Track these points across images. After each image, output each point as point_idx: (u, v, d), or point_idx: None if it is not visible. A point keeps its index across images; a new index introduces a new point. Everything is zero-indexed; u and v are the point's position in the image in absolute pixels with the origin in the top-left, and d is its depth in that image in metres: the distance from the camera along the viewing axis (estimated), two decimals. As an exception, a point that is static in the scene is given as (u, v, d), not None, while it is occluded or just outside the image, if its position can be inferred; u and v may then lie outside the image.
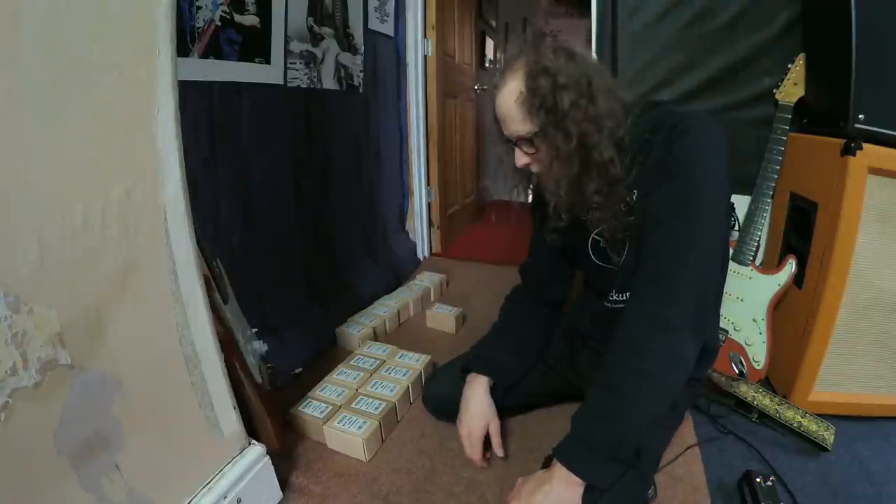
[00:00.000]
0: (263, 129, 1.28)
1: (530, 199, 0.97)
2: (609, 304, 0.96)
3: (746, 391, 1.10)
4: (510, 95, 0.75)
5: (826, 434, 0.99)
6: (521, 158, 0.80)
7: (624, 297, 0.92)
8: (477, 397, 0.97)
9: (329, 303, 1.55)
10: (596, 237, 0.91)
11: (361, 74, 1.72)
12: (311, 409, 1.07)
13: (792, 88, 1.22)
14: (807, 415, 1.03)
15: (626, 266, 0.87)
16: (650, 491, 0.85)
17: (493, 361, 1.01)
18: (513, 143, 0.80)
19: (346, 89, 1.65)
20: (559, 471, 0.73)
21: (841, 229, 1.00)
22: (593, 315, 1.00)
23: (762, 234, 1.28)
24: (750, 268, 1.22)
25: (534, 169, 0.82)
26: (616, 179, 0.77)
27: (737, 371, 1.20)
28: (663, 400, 0.74)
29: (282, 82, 1.34)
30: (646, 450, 0.82)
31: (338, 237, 1.69)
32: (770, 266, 1.22)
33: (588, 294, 1.04)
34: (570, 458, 0.73)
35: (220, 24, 1.10)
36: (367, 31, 1.74)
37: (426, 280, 1.85)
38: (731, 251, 1.25)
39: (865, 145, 0.97)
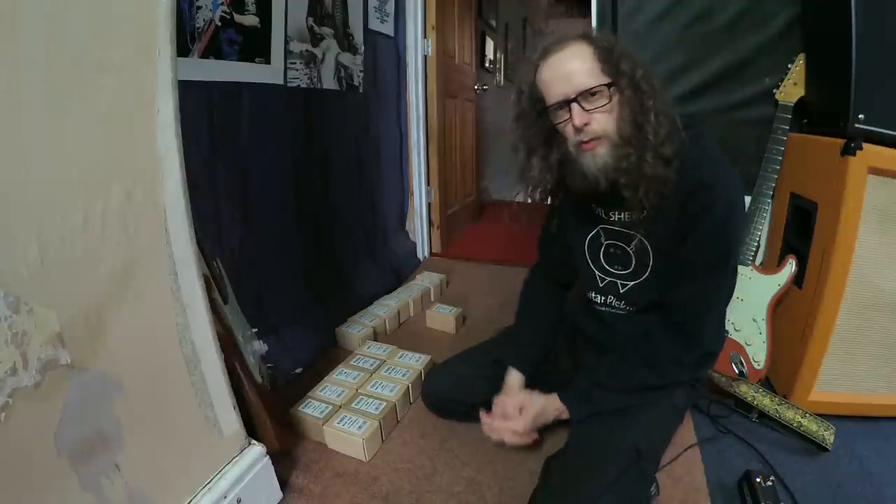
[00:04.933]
0: (263, 129, 1.28)
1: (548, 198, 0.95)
2: (602, 308, 0.97)
3: (746, 391, 1.10)
4: (578, 53, 0.77)
5: (826, 434, 0.99)
6: (580, 117, 0.77)
7: (618, 304, 0.95)
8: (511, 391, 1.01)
9: (329, 303, 1.55)
10: (592, 239, 0.93)
11: (361, 74, 1.72)
12: (311, 409, 1.07)
13: (792, 88, 1.22)
14: (807, 415, 1.03)
15: (632, 284, 0.91)
16: (652, 488, 0.85)
17: (524, 358, 1.03)
18: (568, 103, 0.77)
19: (346, 89, 1.65)
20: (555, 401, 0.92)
21: (841, 229, 1.00)
22: (593, 317, 1.01)
23: (762, 234, 1.27)
24: (750, 268, 1.22)
25: (592, 130, 0.78)
26: (668, 159, 0.77)
27: (737, 371, 1.20)
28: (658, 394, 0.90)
29: (282, 82, 1.34)
30: (647, 449, 0.83)
31: (338, 237, 1.69)
32: (770, 266, 1.22)
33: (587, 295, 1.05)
34: (570, 399, 0.91)
35: (220, 24, 1.10)
36: (367, 31, 1.74)
37: (426, 280, 1.85)
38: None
39: (865, 145, 0.97)
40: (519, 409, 0.92)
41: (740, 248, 0.84)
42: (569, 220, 0.97)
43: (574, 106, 0.76)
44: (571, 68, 0.77)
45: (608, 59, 0.76)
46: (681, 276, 0.83)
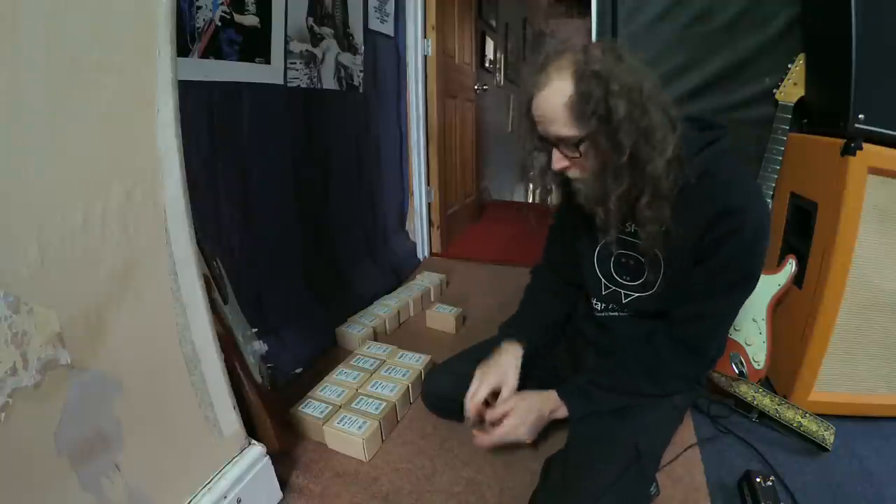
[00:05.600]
0: (263, 129, 1.28)
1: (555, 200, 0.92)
2: (601, 314, 0.97)
3: (746, 391, 1.10)
4: (556, 95, 0.71)
5: (826, 434, 0.99)
6: (559, 161, 0.76)
7: (619, 311, 0.94)
8: (503, 359, 0.95)
9: (329, 303, 1.55)
10: (603, 246, 0.92)
11: (361, 74, 1.73)
12: (311, 409, 1.07)
13: (792, 88, 1.22)
14: (807, 415, 1.03)
15: (636, 296, 0.90)
16: (652, 488, 0.85)
17: (524, 331, 1.00)
18: (551, 143, 0.76)
19: (346, 89, 1.65)
20: (553, 397, 0.90)
21: (841, 229, 1.00)
22: (593, 321, 1.01)
23: (762, 234, 1.27)
24: (750, 268, 1.22)
25: (572, 174, 0.78)
26: (664, 195, 0.74)
27: (737, 371, 1.20)
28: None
29: (282, 82, 1.34)
30: (647, 449, 0.83)
31: (338, 237, 1.69)
32: (770, 266, 1.22)
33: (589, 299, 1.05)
34: (569, 395, 0.90)
35: (220, 24, 1.10)
36: (367, 31, 1.74)
37: (426, 280, 1.85)
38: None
39: (865, 145, 0.97)
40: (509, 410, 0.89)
41: (762, 269, 0.82)
42: (579, 224, 0.94)
43: (554, 151, 0.76)
44: (546, 112, 0.73)
45: (584, 106, 0.69)
46: (697, 292, 0.81)
